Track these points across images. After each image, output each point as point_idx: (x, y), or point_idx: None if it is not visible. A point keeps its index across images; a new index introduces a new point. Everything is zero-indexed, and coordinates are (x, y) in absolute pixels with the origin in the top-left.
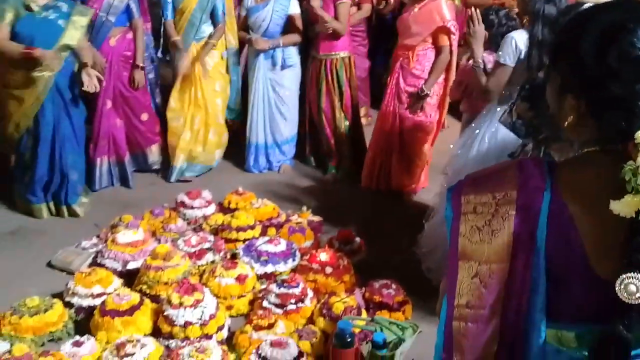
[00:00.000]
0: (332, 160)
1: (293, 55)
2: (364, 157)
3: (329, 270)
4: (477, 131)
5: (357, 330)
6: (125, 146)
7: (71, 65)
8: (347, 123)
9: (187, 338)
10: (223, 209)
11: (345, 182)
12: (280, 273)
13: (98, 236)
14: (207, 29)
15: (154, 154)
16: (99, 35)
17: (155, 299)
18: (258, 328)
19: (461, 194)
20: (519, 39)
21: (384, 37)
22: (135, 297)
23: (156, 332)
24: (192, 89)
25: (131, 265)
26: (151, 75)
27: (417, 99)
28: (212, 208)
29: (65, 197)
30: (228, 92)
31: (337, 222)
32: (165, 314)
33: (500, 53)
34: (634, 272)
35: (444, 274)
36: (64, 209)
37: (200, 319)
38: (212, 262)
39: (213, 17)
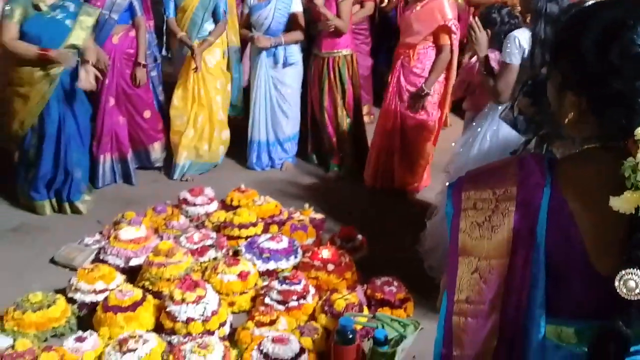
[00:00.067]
0: (333, 158)
1: (295, 53)
2: (366, 155)
3: (330, 267)
4: (479, 129)
5: (358, 327)
6: (127, 143)
7: (77, 64)
8: (349, 121)
9: (189, 334)
10: (225, 206)
11: (347, 180)
12: (282, 270)
13: (101, 233)
14: (209, 27)
15: (156, 151)
16: (101, 33)
17: (157, 295)
18: (260, 324)
19: (461, 190)
20: (522, 37)
21: (386, 35)
22: (137, 293)
23: (158, 328)
24: (194, 87)
25: (134, 262)
26: (154, 73)
27: (418, 98)
28: (215, 205)
29: (68, 195)
30: (229, 90)
31: (339, 220)
32: (167, 310)
33: (505, 53)
34: (633, 268)
35: (444, 270)
36: (67, 205)
37: (203, 315)
38: (215, 258)
39: (215, 16)
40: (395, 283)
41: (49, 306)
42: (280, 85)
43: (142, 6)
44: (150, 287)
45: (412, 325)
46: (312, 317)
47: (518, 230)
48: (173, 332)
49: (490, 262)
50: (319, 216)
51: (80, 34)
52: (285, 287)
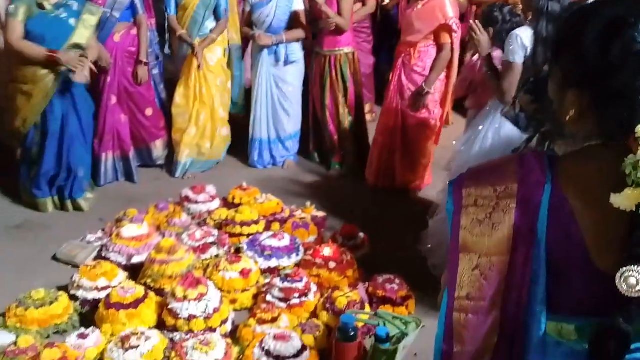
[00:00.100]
0: (335, 156)
1: (296, 51)
2: (368, 153)
3: (332, 265)
4: (481, 128)
5: (360, 325)
6: (129, 141)
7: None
8: (350, 119)
9: (191, 331)
10: (227, 204)
11: (349, 178)
12: (284, 268)
13: (103, 230)
14: (210, 25)
15: (158, 149)
16: (103, 31)
17: (159, 292)
18: (262, 322)
19: (462, 187)
20: (524, 35)
21: (388, 34)
22: (139, 290)
23: (160, 325)
24: (196, 85)
25: (136, 259)
26: (155, 71)
27: (419, 97)
28: (217, 203)
29: (70, 192)
30: (229, 88)
31: (340, 218)
32: (169, 307)
33: (507, 52)
34: (633, 265)
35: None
36: (69, 203)
37: (205, 312)
38: (216, 256)
39: (216, 14)
40: (397, 281)
41: (51, 303)
42: (282, 83)
43: (144, 4)
44: (153, 285)
45: (414, 323)
46: (314, 314)
47: (519, 228)
48: (175, 329)
49: (491, 259)
50: (320, 214)
51: (83, 33)
52: (287, 284)
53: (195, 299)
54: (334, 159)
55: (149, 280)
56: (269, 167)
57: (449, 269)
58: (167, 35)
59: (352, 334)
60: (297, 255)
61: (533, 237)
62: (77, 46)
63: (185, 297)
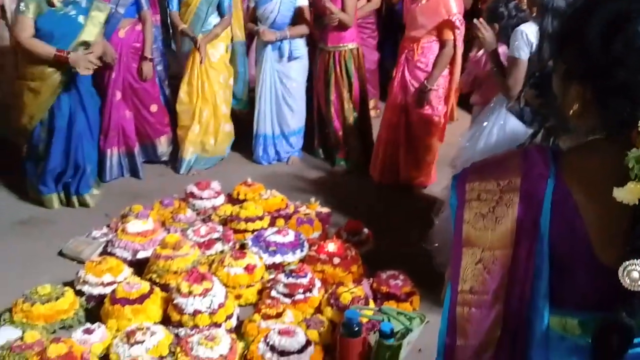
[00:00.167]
0: (339, 152)
1: (300, 47)
2: (372, 149)
3: (336, 260)
4: (486, 123)
5: (364, 320)
6: (134, 137)
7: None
8: (355, 115)
9: (196, 326)
10: (232, 199)
11: (353, 174)
12: (289, 263)
13: (108, 226)
14: (213, 20)
15: (162, 145)
16: (108, 27)
17: (164, 287)
18: (266, 317)
19: (466, 182)
20: (529, 31)
21: (393, 29)
22: (145, 286)
23: (166, 321)
24: (198, 82)
25: (141, 255)
26: (159, 67)
27: (422, 94)
28: (221, 199)
29: (77, 188)
30: (231, 84)
31: (345, 214)
32: (174, 302)
33: (513, 48)
34: (636, 259)
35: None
36: (75, 199)
37: (209, 307)
38: (221, 252)
39: (219, 10)
40: (401, 277)
41: (57, 298)
42: (286, 79)
43: (148, 0)
44: (158, 280)
45: (418, 319)
46: (318, 310)
47: (522, 222)
48: (180, 324)
49: (494, 252)
50: (325, 210)
51: (92, 30)
52: (291, 280)
53: (200, 295)
54: (339, 155)
55: (154, 276)
56: (273, 163)
57: (452, 263)
58: (172, 32)
59: (357, 329)
60: (302, 251)
61: (536, 231)
62: (85, 43)
63: (190, 293)
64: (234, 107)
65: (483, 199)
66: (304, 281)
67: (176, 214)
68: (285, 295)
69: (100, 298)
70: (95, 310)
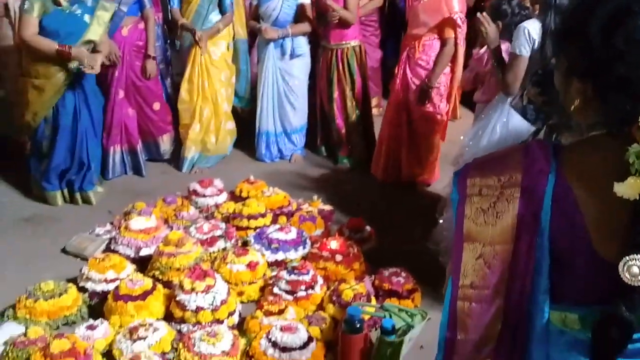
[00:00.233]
0: (342, 150)
1: (302, 44)
2: (374, 147)
3: (339, 258)
4: (489, 121)
5: (366, 317)
6: (137, 135)
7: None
8: (358, 113)
9: (198, 323)
10: (234, 197)
11: (356, 171)
12: (291, 260)
13: (111, 223)
14: (214, 18)
15: (165, 143)
16: (111, 25)
17: (167, 284)
18: (268, 314)
19: (467, 177)
20: (532, 28)
21: (396, 27)
22: (148, 283)
23: (168, 317)
24: (199, 80)
25: (144, 252)
26: (162, 66)
27: (423, 92)
28: (224, 196)
29: (80, 185)
30: (233, 82)
31: (347, 212)
32: (177, 299)
33: (514, 44)
34: (636, 254)
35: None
36: (78, 196)
37: (212, 304)
38: (224, 249)
39: (220, 7)
40: (403, 274)
41: (60, 295)
42: (288, 77)
43: None
44: (160, 277)
45: (420, 315)
46: (320, 307)
47: (522, 217)
48: (183, 320)
49: (495, 247)
50: (327, 207)
51: (97, 30)
52: (293, 277)
53: (202, 291)
54: (341, 153)
55: (157, 273)
56: (276, 160)
57: (453, 258)
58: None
59: (358, 326)
60: (304, 248)
61: (537, 226)
62: (90, 42)
63: (192, 289)
64: (236, 105)
65: (484, 194)
66: (306, 278)
67: (179, 211)
68: (287, 292)
69: (104, 294)
70: (98, 307)
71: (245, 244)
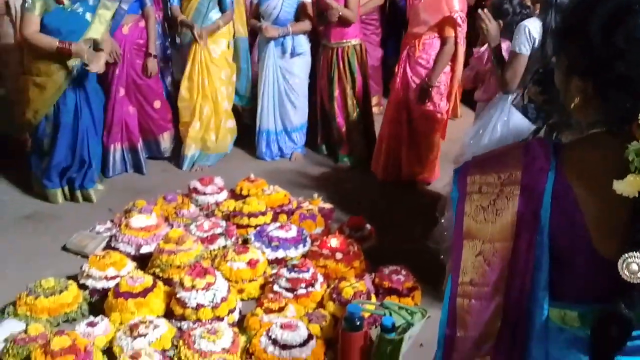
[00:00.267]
0: (342, 148)
1: (303, 43)
2: (374, 145)
3: (339, 256)
4: (489, 120)
5: (366, 315)
6: (138, 133)
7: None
8: (358, 111)
9: (198, 320)
10: (235, 195)
11: (356, 170)
12: (291, 258)
13: (112, 221)
14: (214, 16)
15: (165, 141)
16: (112, 23)
17: (167, 282)
18: (269, 311)
19: (467, 175)
20: (533, 27)
21: (397, 26)
22: (148, 280)
23: (169, 314)
24: (199, 78)
25: (144, 249)
26: (162, 64)
27: (423, 91)
28: (224, 194)
29: (81, 183)
30: (234, 81)
31: (348, 210)
32: (177, 296)
33: (514, 42)
34: (636, 252)
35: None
36: (79, 194)
37: (212, 301)
38: (224, 247)
39: (220, 5)
40: (403, 272)
41: (61, 292)
42: (289, 75)
43: None
44: (161, 274)
45: (420, 313)
46: (320, 304)
47: (522, 214)
48: (183, 318)
49: (494, 245)
50: (327, 206)
51: (99, 28)
52: (293, 275)
53: (203, 289)
54: (342, 152)
55: (157, 270)
56: (276, 159)
57: (452, 256)
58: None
59: (358, 323)
60: (304, 246)
61: (536, 223)
62: (91, 40)
63: (193, 287)
64: (237, 104)
65: (484, 192)
66: (306, 276)
67: (179, 209)
68: (287, 289)
69: (104, 292)
70: (98, 304)
71: (245, 241)
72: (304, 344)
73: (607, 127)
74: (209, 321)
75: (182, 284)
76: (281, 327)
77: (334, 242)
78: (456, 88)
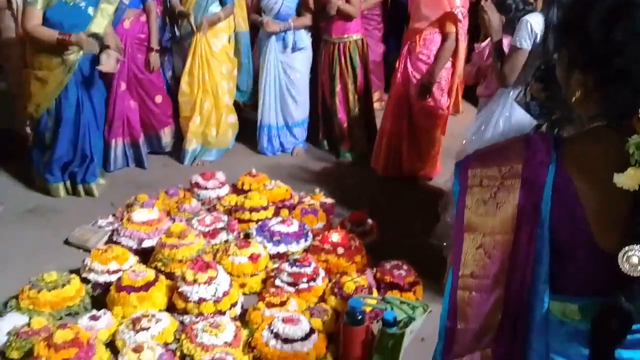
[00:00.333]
0: (344, 143)
1: (304, 38)
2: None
3: (340, 250)
4: (491, 115)
5: (368, 309)
6: (139, 128)
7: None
8: (360, 106)
9: (200, 314)
10: (236, 190)
11: (358, 165)
12: (293, 253)
13: (114, 215)
14: (215, 9)
15: (167, 136)
16: (113, 18)
17: (169, 276)
18: (270, 305)
19: (468, 168)
20: (535, 22)
21: (398, 21)
22: (150, 274)
23: (171, 308)
24: (199, 73)
25: (146, 243)
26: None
27: (424, 87)
28: (226, 189)
29: (83, 177)
30: (235, 75)
31: (349, 205)
32: (179, 290)
33: (515, 37)
34: (636, 245)
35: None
36: (81, 188)
37: (214, 295)
38: (226, 241)
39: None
40: (405, 267)
41: (63, 285)
42: (290, 70)
43: None
44: (163, 268)
45: (421, 308)
46: (322, 299)
47: (523, 207)
48: (185, 312)
49: (495, 237)
50: (329, 201)
51: (101, 22)
52: (295, 269)
53: (205, 283)
54: (343, 147)
55: (159, 264)
56: (278, 154)
57: (453, 249)
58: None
59: (360, 318)
60: (306, 240)
61: (537, 216)
62: (93, 35)
63: (195, 281)
64: (238, 99)
65: (485, 185)
66: (308, 270)
67: (181, 203)
68: (289, 284)
69: (106, 285)
70: (101, 298)
71: (247, 236)
72: (305, 338)
73: (608, 121)
74: (211, 315)
75: (184, 278)
76: (283, 321)
77: (335, 236)
78: (457, 84)
